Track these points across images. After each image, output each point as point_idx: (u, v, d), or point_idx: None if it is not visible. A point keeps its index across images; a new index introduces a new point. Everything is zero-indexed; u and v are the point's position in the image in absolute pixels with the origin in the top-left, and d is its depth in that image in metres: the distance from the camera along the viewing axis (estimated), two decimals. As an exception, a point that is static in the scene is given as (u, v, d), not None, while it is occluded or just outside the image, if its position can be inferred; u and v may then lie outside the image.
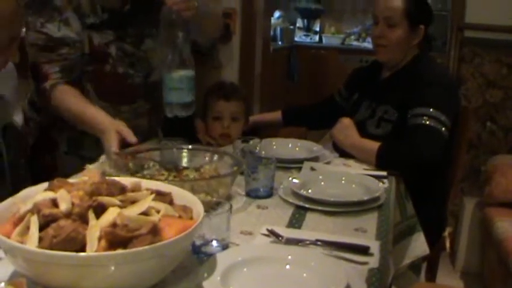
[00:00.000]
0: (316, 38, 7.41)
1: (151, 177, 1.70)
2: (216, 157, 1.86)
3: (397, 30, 2.40)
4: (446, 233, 3.73)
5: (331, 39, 7.26)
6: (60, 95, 2.17)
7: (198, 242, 1.33)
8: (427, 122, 2.17)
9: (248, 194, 1.79)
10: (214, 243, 1.35)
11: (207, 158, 1.87)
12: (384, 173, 2.06)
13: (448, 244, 3.83)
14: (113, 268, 1.04)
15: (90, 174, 1.31)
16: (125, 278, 1.07)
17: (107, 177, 1.28)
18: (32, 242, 1.06)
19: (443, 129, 2.18)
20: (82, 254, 1.03)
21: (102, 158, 1.91)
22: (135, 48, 2.33)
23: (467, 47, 3.91)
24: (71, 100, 2.17)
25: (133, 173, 1.75)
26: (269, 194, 1.79)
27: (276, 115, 2.92)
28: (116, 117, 2.11)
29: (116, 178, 1.30)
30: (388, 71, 2.53)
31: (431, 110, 2.19)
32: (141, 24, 2.32)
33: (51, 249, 1.03)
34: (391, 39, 2.41)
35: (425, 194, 2.36)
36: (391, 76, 2.51)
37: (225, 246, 1.35)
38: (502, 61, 3.89)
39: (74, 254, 1.02)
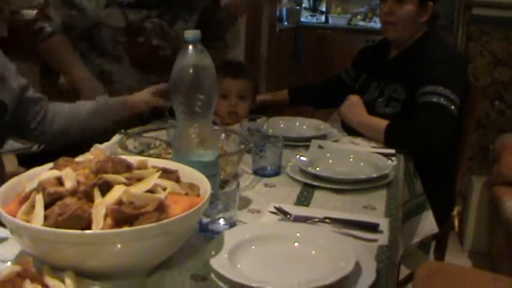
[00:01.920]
0: (323, 18, 7.37)
1: (158, 157, 1.69)
2: (223, 135, 1.84)
3: (407, 6, 2.36)
4: (454, 212, 3.71)
5: (337, 20, 7.21)
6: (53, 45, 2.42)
7: (205, 220, 1.32)
8: (437, 100, 2.15)
9: (255, 172, 1.78)
10: (222, 221, 1.33)
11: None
12: (393, 151, 2.04)
13: (456, 223, 3.81)
14: (119, 246, 1.02)
15: (96, 152, 1.30)
16: (132, 255, 1.06)
17: (112, 156, 1.27)
18: (37, 221, 1.04)
19: (452, 107, 2.15)
20: (88, 231, 1.02)
21: (114, 138, 1.91)
22: (168, 27, 2.49)
23: (474, 25, 3.88)
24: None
25: (139, 153, 1.74)
26: (277, 172, 1.78)
27: (283, 94, 2.90)
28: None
29: (122, 156, 1.28)
30: (396, 50, 2.50)
31: (440, 88, 2.17)
32: (175, 7, 2.50)
33: (57, 227, 1.02)
34: (400, 15, 2.38)
35: (434, 172, 2.34)
36: (399, 55, 2.48)
37: (232, 224, 1.34)
38: (511, 39, 3.86)
39: (79, 231, 1.01)
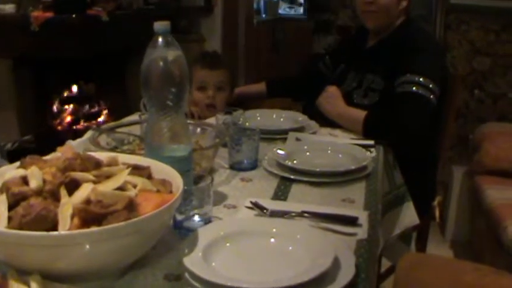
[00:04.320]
0: (301, 10, 7.34)
1: (132, 152, 1.65)
2: (198, 130, 1.80)
3: None
4: (435, 203, 3.70)
5: (315, 11, 7.18)
6: None
7: (179, 217, 1.28)
8: (415, 89, 2.12)
9: (232, 167, 1.74)
10: (196, 218, 1.29)
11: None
12: (372, 142, 2.01)
13: (437, 214, 3.81)
14: (87, 247, 0.98)
15: (64, 149, 1.25)
16: (101, 256, 1.02)
17: (81, 153, 1.22)
18: (0, 223, 1.00)
19: (431, 96, 2.13)
20: (53, 233, 0.98)
21: (87, 133, 1.86)
22: None
23: (453, 14, 3.87)
24: None
25: (113, 149, 1.70)
26: (253, 166, 1.74)
27: (261, 86, 2.85)
28: None
29: (92, 153, 1.24)
30: (374, 39, 2.47)
31: (418, 77, 2.14)
32: None
33: (21, 229, 0.98)
34: (381, 3, 2.34)
35: (414, 163, 2.32)
36: (376, 44, 2.45)
37: (207, 221, 1.30)
38: (489, 28, 3.86)
39: (44, 233, 0.97)
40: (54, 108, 4.01)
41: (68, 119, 4.07)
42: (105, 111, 4.21)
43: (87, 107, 4.17)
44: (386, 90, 2.25)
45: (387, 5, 2.34)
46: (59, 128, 4.02)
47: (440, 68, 2.29)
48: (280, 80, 2.95)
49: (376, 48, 2.44)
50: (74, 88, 4.11)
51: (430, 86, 2.13)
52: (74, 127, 4.05)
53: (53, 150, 1.30)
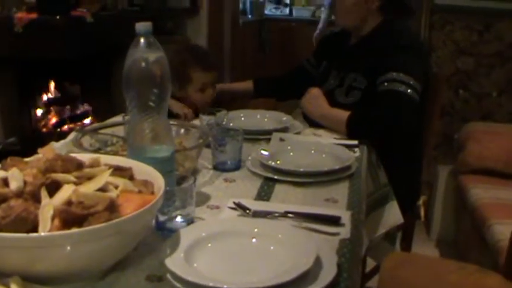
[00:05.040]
0: (287, 10, 7.37)
1: (115, 154, 1.64)
2: (182, 130, 1.80)
3: None
4: (420, 202, 3.73)
5: (301, 12, 7.21)
6: None
7: (161, 218, 1.28)
8: (397, 88, 2.12)
9: (215, 167, 1.74)
10: (179, 218, 1.29)
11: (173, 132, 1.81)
12: (355, 142, 2.01)
13: (422, 213, 3.83)
14: (68, 248, 0.98)
15: (45, 151, 1.24)
16: (82, 258, 1.02)
17: (63, 154, 1.21)
18: (-20, 224, 1.00)
19: (412, 93, 2.13)
20: (33, 234, 0.97)
21: (71, 135, 1.85)
22: None
23: (437, 13, 3.88)
24: None
25: (96, 150, 1.69)
26: (237, 167, 1.74)
27: (246, 85, 2.84)
28: None
29: (74, 154, 1.24)
30: (355, 38, 2.47)
31: (399, 74, 2.14)
32: None
33: (1, 231, 0.97)
34: (345, 4, 2.36)
35: (398, 162, 2.32)
36: (358, 43, 2.45)
37: (190, 221, 1.30)
38: (473, 28, 3.88)
39: (24, 235, 0.96)
40: (39, 110, 3.99)
41: (53, 120, 4.05)
42: (90, 113, 4.20)
43: (72, 108, 4.16)
44: (369, 89, 2.26)
45: (347, 6, 2.37)
46: (44, 130, 4.00)
47: (421, 65, 2.28)
48: (267, 78, 2.93)
49: (357, 46, 2.45)
50: (59, 90, 4.09)
51: (411, 82, 2.13)
52: (59, 129, 4.03)
53: (37, 152, 1.30)
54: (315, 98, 2.29)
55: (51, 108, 4.08)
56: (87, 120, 4.16)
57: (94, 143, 1.76)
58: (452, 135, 3.76)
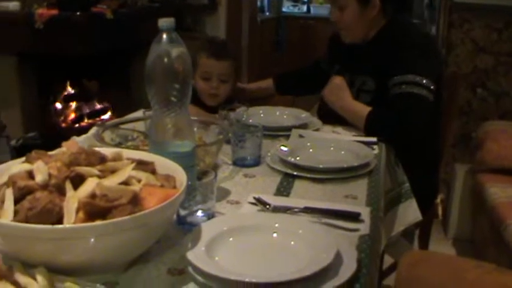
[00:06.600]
0: (304, 8, 7.36)
1: (136, 148, 1.65)
2: (202, 126, 1.81)
3: (347, 10, 2.31)
4: (438, 200, 3.72)
5: (319, 9, 7.18)
6: None
7: (183, 213, 1.29)
8: (409, 90, 2.11)
9: (235, 163, 1.75)
10: (200, 213, 1.31)
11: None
12: (374, 139, 2.01)
13: (440, 211, 3.82)
14: (92, 240, 0.99)
15: (69, 144, 1.26)
16: (106, 250, 1.03)
17: (86, 148, 1.23)
18: (6, 216, 1.01)
19: (426, 92, 2.11)
20: (59, 226, 0.99)
21: (92, 130, 1.87)
22: None
23: (456, 12, 3.87)
24: None
25: (117, 145, 1.71)
26: (256, 163, 1.75)
27: (266, 83, 2.84)
28: None
29: (97, 148, 1.25)
30: (363, 42, 2.45)
31: (410, 76, 2.12)
32: None
33: (27, 222, 0.99)
34: (345, 21, 2.33)
35: (416, 161, 2.31)
36: (365, 46, 2.42)
37: (210, 216, 1.31)
38: (492, 26, 3.86)
39: (50, 226, 0.98)
40: (58, 105, 4.02)
41: (72, 116, 4.09)
42: (108, 109, 4.23)
43: (90, 104, 4.19)
44: (378, 91, 2.24)
45: (351, 20, 2.33)
46: (63, 125, 4.03)
47: (431, 61, 2.26)
48: (287, 74, 2.91)
49: (365, 49, 2.42)
50: (78, 85, 4.12)
51: (423, 82, 2.11)
52: (78, 124, 4.06)
53: (58, 147, 1.31)
54: (338, 88, 2.27)
55: (70, 104, 4.11)
56: (105, 116, 4.19)
57: (115, 138, 1.77)
58: (469, 134, 3.74)
